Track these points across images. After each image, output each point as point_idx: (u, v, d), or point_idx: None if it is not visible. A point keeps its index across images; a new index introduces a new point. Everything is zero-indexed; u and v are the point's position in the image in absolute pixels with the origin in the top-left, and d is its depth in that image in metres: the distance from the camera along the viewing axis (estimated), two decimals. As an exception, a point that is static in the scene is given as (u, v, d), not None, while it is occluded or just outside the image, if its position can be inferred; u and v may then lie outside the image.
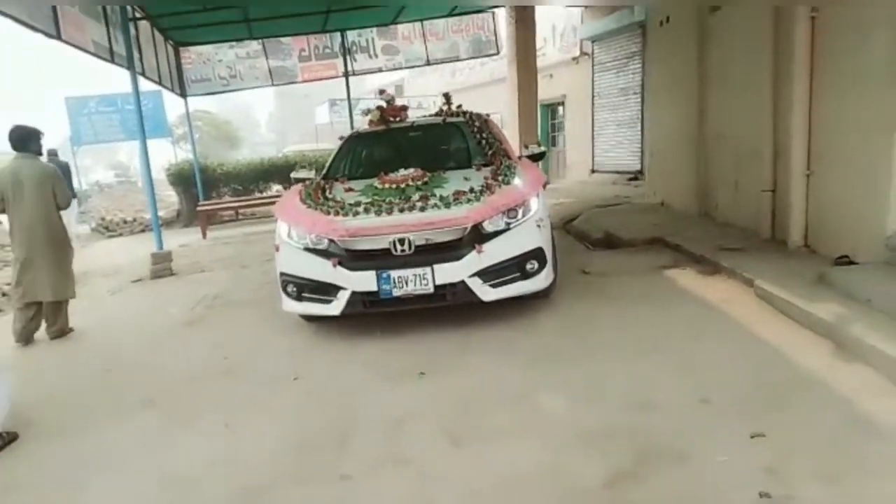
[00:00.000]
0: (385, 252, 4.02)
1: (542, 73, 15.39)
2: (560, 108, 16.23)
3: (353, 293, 4.04)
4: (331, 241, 4.12)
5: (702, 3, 6.79)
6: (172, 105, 13.35)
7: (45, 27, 5.69)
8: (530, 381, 3.32)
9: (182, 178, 13.49)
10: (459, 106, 6.07)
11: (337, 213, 4.24)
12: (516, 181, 4.41)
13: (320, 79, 13.33)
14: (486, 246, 3.99)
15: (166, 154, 22.33)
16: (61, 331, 5.17)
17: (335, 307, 4.11)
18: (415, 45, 13.25)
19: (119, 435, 3.20)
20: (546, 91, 15.65)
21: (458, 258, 3.97)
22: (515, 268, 4.09)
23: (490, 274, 4.03)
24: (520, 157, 5.27)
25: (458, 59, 14.01)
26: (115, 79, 10.39)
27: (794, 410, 2.74)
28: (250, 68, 12.65)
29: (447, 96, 6.27)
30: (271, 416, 3.25)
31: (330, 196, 4.57)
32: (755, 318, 3.88)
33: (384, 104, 5.87)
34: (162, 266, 7.59)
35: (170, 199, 15.92)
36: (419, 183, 4.45)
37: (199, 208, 11.99)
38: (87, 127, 12.90)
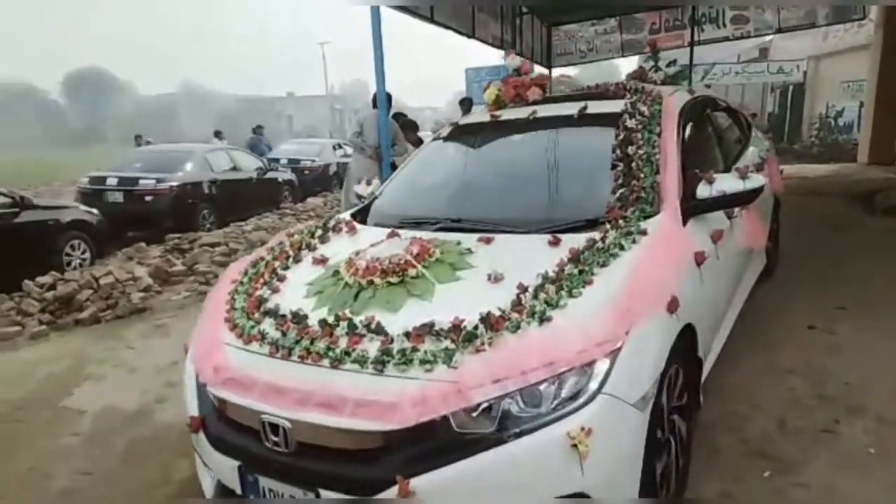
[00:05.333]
0: (256, 435, 2.01)
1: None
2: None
3: (220, 483, 2.22)
4: None
5: None
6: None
7: (467, 30, 8.94)
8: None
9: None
10: (681, 71, 3.94)
11: (235, 326, 2.29)
12: (589, 298, 1.99)
13: (666, 48, 14.79)
14: (430, 478, 1.74)
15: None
16: None
17: (207, 487, 2.32)
18: (766, 13, 13.60)
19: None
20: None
21: (369, 490, 1.81)
22: None
23: None
24: (693, 199, 2.62)
25: (813, 26, 13.79)
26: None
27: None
28: (605, 42, 14.86)
29: (654, 49, 4.01)
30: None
31: (279, 275, 2.62)
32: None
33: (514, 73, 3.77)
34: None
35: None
36: (393, 279, 2.24)
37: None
38: (478, 91, 16.96)
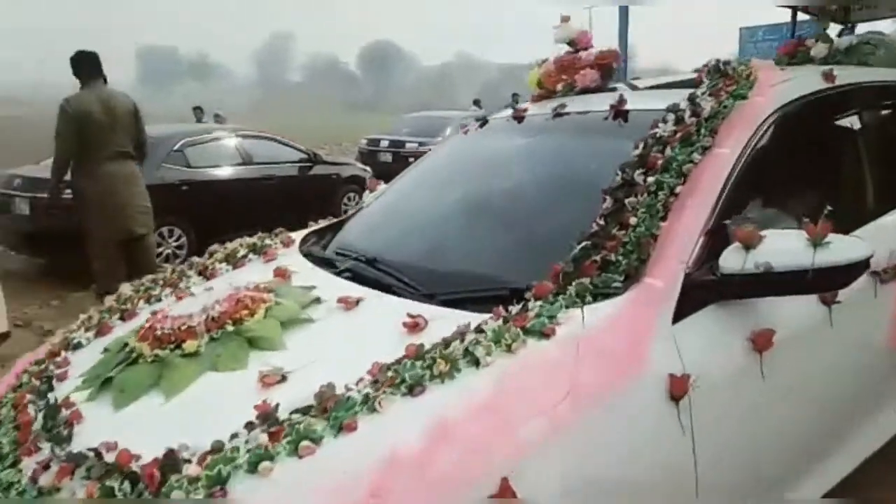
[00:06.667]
0: None
1: None
2: None
3: None
4: None
5: None
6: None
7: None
8: None
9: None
10: (865, 43, 2.61)
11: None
12: (298, 471, 1.05)
13: None
14: None
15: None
16: None
17: None
18: None
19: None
20: None
21: None
22: None
23: None
24: (715, 271, 1.46)
25: None
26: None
27: None
28: (929, -12, 12.22)
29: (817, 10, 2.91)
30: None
31: (125, 314, 1.89)
32: None
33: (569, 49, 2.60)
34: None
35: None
36: (162, 353, 1.47)
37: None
38: (752, 51, 15.23)
